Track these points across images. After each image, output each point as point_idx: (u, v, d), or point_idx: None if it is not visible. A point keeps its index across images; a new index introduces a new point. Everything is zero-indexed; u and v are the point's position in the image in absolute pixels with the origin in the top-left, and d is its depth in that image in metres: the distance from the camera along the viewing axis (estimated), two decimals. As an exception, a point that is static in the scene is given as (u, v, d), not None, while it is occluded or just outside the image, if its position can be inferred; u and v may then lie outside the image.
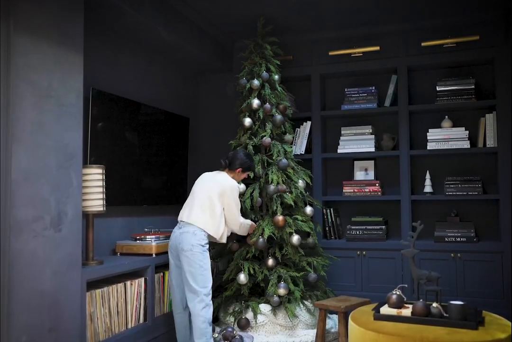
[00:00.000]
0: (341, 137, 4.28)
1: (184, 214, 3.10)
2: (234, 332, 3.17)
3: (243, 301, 3.56)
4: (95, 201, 2.79)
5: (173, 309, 3.10)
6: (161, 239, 3.37)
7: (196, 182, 3.26)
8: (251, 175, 3.61)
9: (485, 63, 4.04)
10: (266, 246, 3.57)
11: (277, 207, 3.56)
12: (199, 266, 2.92)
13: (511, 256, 3.67)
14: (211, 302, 2.96)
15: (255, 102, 3.69)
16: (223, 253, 3.77)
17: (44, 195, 2.35)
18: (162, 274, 3.33)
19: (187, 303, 2.98)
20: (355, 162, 4.38)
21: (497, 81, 3.84)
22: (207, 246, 3.02)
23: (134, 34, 3.52)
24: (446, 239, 3.90)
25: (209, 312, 2.92)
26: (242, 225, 3.29)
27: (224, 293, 3.58)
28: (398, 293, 2.35)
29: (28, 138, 2.27)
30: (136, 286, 3.05)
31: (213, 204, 3.08)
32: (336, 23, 4.09)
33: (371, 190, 4.15)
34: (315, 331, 3.42)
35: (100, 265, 2.82)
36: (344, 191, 4.23)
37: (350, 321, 2.28)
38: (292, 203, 3.60)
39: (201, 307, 2.89)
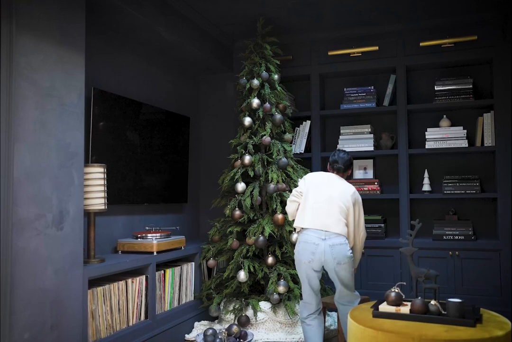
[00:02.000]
0: (340, 137, 4.30)
1: (324, 222, 2.85)
2: (237, 328, 3.20)
3: (243, 299, 3.58)
4: (97, 200, 2.81)
5: (306, 315, 2.99)
6: (162, 237, 3.39)
7: (315, 183, 2.97)
8: (251, 174, 3.63)
9: (483, 63, 4.06)
10: (266, 244, 3.59)
11: (276, 205, 3.59)
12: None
13: (511, 254, 3.70)
14: None
15: (255, 101, 3.72)
16: (223, 251, 3.79)
17: (46, 193, 2.37)
18: (163, 271, 3.35)
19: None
20: (354, 161, 4.40)
21: (494, 81, 3.86)
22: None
23: (135, 34, 3.54)
24: (444, 237, 3.92)
25: None
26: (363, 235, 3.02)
27: (225, 290, 3.61)
28: (396, 290, 2.36)
29: (30, 137, 2.29)
30: (137, 284, 3.07)
31: (349, 212, 2.90)
32: (335, 24, 4.11)
33: (370, 189, 4.17)
34: (314, 328, 3.45)
35: (102, 263, 2.84)
36: (343, 189, 4.25)
37: (349, 319, 2.30)
38: (292, 202, 3.62)
39: None
